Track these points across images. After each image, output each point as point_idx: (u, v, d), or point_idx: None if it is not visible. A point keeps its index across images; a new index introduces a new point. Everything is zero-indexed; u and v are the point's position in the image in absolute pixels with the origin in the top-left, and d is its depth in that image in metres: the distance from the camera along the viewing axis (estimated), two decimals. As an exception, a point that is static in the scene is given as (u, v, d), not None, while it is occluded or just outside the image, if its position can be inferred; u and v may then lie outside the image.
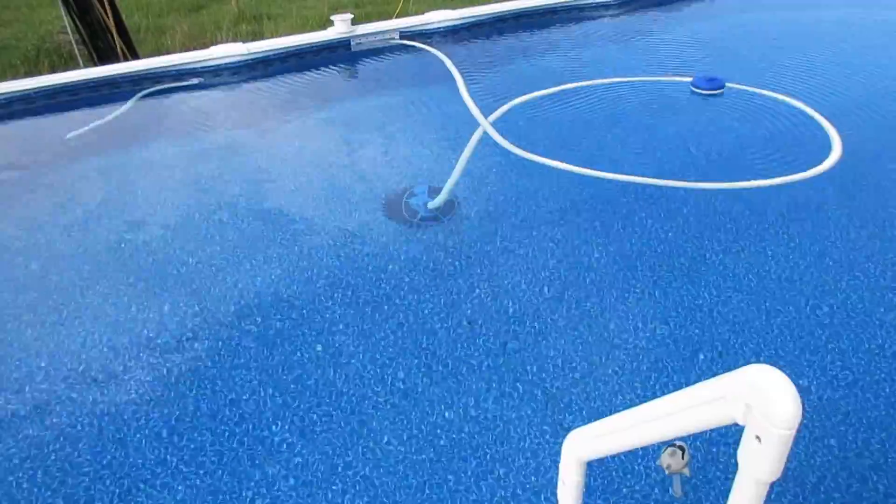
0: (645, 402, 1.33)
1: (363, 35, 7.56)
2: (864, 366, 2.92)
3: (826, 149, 4.75)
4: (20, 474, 2.61)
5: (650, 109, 5.59)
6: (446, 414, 2.78)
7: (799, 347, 3.04)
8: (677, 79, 6.07)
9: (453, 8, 8.07)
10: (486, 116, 5.48)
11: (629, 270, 3.60)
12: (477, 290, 3.49)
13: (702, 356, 3.02)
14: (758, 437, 1.00)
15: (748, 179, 4.37)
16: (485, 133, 5.17)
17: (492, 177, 4.63)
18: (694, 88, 5.86)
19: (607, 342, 3.11)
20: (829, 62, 6.59)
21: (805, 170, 4.49)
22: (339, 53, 7.49)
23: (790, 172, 4.45)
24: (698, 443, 2.56)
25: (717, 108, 5.62)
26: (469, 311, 3.35)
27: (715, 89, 5.78)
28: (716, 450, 2.55)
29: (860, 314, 3.22)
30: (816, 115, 5.24)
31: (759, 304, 3.30)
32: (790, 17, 8.26)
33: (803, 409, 0.98)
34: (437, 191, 4.36)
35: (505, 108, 5.56)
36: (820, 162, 4.57)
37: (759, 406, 0.99)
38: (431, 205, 4.21)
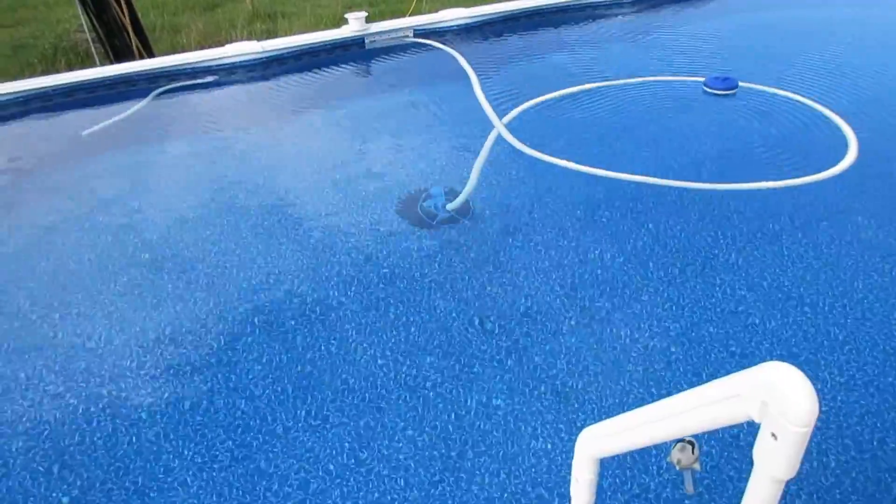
0: (657, 400, 1.33)
1: (377, 33, 7.57)
2: (879, 366, 2.89)
3: (842, 148, 4.70)
4: (35, 466, 2.64)
5: (662, 110, 5.56)
6: (458, 411, 2.78)
7: (814, 347, 3.02)
8: (689, 79, 6.03)
9: (467, 6, 8.06)
10: (500, 116, 5.48)
11: (642, 269, 3.58)
12: (489, 288, 3.49)
13: (715, 355, 3.00)
14: (774, 435, 1.00)
15: (763, 180, 4.34)
16: (499, 134, 5.16)
17: (505, 177, 4.63)
18: (706, 88, 5.80)
19: (620, 340, 3.10)
20: (843, 61, 6.53)
21: (821, 169, 4.44)
22: (353, 52, 7.51)
23: (805, 172, 4.42)
24: (712, 441, 2.55)
25: (730, 108, 5.58)
26: (482, 309, 3.35)
27: (728, 89, 5.72)
28: (730, 449, 2.53)
29: (876, 314, 3.19)
30: (832, 115, 5.18)
31: (773, 304, 3.28)
32: (803, 15, 8.20)
33: (819, 407, 0.98)
34: (453, 192, 4.35)
35: (517, 109, 5.53)
36: (835, 161, 4.53)
37: (776, 403, 0.98)
38: (450, 206, 4.19)
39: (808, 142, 4.92)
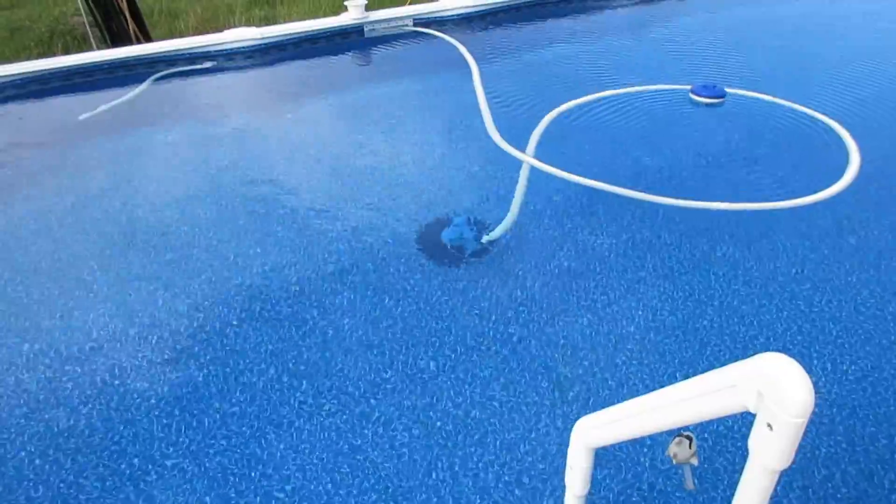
0: (651, 392, 1.33)
1: (377, 21, 7.54)
2: (873, 360, 2.91)
3: (839, 152, 4.64)
4: (31, 450, 2.64)
5: (649, 119, 5.36)
6: (455, 399, 2.79)
7: (808, 341, 3.03)
8: (676, 87, 5.83)
9: (467, -5, 8.03)
10: (491, 105, 5.45)
11: (639, 261, 3.59)
12: (487, 279, 3.50)
13: (710, 348, 3.01)
14: (769, 425, 1.00)
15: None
16: (494, 133, 5.11)
17: (505, 180, 4.63)
18: (693, 96, 5.59)
19: (616, 332, 3.11)
20: (835, 62, 6.50)
21: (818, 176, 4.39)
22: (353, 39, 7.49)
23: (798, 178, 4.36)
24: (705, 434, 2.56)
25: (717, 116, 5.42)
26: (478, 299, 3.35)
27: (715, 97, 5.52)
28: (724, 441, 2.55)
29: (871, 309, 3.20)
30: (826, 119, 5.09)
31: (769, 298, 3.29)
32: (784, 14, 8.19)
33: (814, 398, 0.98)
34: (477, 221, 4.03)
35: (539, 129, 5.14)
36: (831, 165, 4.46)
37: (772, 394, 0.98)
38: (485, 238, 3.83)
39: (803, 149, 4.81)
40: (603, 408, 1.51)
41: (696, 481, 2.38)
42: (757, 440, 1.04)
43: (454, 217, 4.05)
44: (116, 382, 2.94)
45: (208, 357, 3.06)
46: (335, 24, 7.43)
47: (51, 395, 2.90)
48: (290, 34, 7.19)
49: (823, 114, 5.16)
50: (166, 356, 3.07)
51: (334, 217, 4.08)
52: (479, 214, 4.05)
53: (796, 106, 5.36)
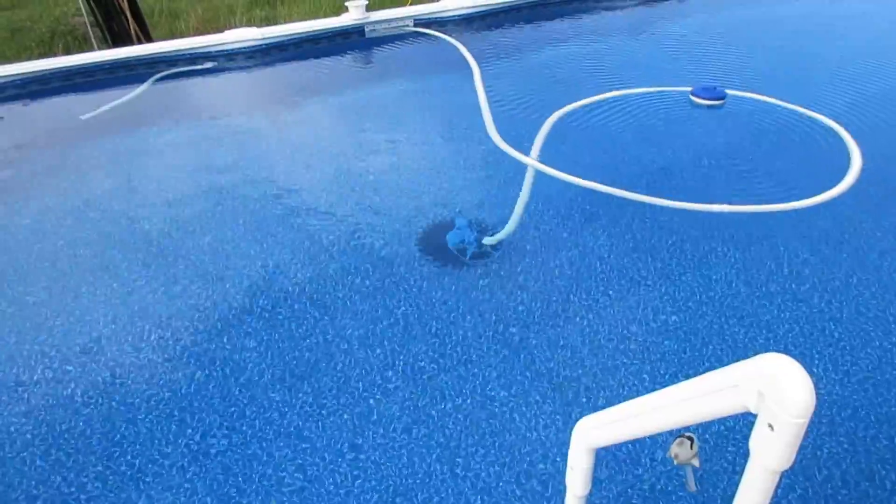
0: (652, 392, 1.33)
1: (377, 22, 7.55)
2: (874, 362, 2.90)
3: (839, 153, 4.64)
4: (32, 450, 2.64)
5: (650, 121, 5.32)
6: (455, 400, 2.79)
7: (809, 342, 3.03)
8: (677, 89, 5.80)
9: (467, -4, 8.03)
10: (492, 106, 5.45)
11: (640, 262, 3.59)
12: (488, 280, 3.50)
13: (711, 349, 3.01)
14: (770, 426, 1.00)
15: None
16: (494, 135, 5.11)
17: (502, 180, 4.62)
18: (694, 98, 5.57)
19: (617, 333, 3.11)
20: (835, 62, 6.49)
21: (820, 173, 4.39)
22: (353, 40, 7.49)
23: (802, 180, 4.35)
24: (707, 435, 2.56)
25: (718, 118, 5.39)
26: (478, 299, 3.35)
27: (715, 99, 5.50)
28: (724, 441, 2.54)
29: (872, 310, 3.20)
30: (826, 121, 5.07)
31: (770, 299, 3.29)
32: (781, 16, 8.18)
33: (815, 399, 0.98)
34: (478, 223, 3.99)
35: (542, 132, 5.11)
36: (831, 165, 4.45)
37: (772, 394, 0.98)
38: (487, 240, 3.81)
39: (804, 150, 4.80)
40: (604, 408, 1.51)
41: (697, 482, 2.38)
42: (758, 441, 1.04)
43: (456, 218, 4.03)
44: (117, 382, 2.94)
45: (209, 357, 3.06)
46: (336, 25, 7.44)
47: (51, 394, 2.90)
48: (291, 34, 7.19)
49: (824, 115, 5.15)
50: (167, 356, 3.08)
51: (335, 217, 4.08)
52: (480, 216, 4.05)
53: (797, 108, 5.33)
